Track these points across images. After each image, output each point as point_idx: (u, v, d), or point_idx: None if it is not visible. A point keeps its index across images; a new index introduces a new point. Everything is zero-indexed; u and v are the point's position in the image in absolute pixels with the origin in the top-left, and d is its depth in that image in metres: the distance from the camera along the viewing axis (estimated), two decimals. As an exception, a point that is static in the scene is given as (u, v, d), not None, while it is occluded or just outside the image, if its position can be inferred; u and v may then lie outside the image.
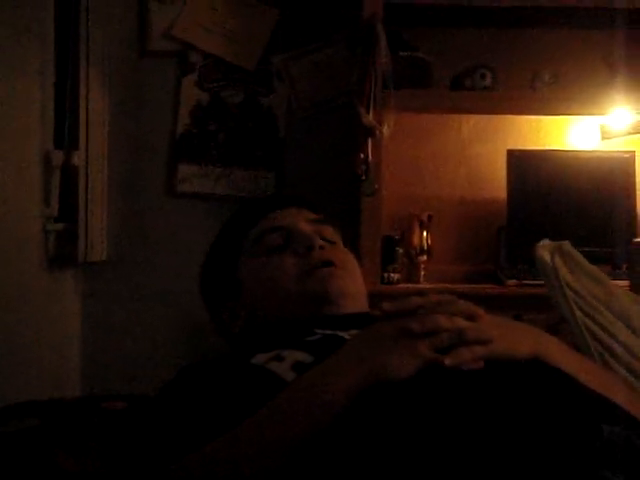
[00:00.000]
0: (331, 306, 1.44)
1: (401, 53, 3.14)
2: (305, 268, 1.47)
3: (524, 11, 3.27)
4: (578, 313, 1.64)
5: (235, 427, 1.06)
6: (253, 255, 1.53)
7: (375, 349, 1.08)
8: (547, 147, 3.48)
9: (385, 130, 2.98)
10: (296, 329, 1.35)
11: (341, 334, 1.28)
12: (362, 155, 2.97)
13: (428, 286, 3.27)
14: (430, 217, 3.35)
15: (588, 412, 1.01)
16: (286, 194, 3.14)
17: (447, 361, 1.05)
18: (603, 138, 3.47)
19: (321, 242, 1.51)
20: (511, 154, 3.38)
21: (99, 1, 3.14)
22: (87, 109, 3.10)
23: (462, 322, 1.11)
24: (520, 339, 1.16)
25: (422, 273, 3.33)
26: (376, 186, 2.99)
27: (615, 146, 3.46)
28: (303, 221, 1.56)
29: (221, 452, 1.05)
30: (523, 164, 3.38)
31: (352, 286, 1.50)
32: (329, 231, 1.59)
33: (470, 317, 1.13)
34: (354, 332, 1.24)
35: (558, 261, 1.69)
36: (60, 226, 3.13)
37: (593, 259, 1.74)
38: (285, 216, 1.57)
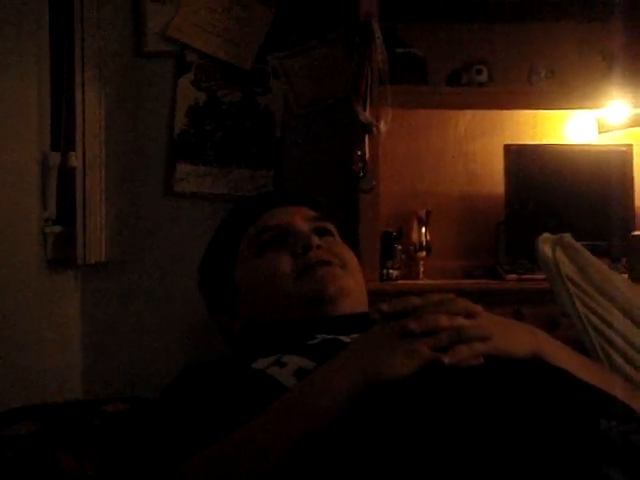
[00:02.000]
0: (329, 306, 1.42)
1: (397, 50, 3.14)
2: (302, 268, 1.46)
3: (519, 5, 3.28)
4: (580, 307, 1.64)
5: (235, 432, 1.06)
6: (249, 255, 1.51)
7: (375, 350, 1.08)
8: (544, 141, 3.48)
9: (382, 126, 2.98)
10: (296, 332, 1.35)
11: (342, 338, 1.27)
12: (359, 152, 2.97)
13: (428, 282, 3.27)
14: (428, 213, 3.36)
15: (585, 407, 1.01)
16: (282, 192, 3.13)
17: (446, 359, 1.05)
18: (600, 132, 3.47)
19: (318, 241, 1.49)
20: (508, 149, 3.38)
21: (94, 2, 3.13)
22: (83, 110, 3.09)
23: (461, 320, 1.11)
24: (518, 336, 1.16)
25: (421, 269, 3.33)
26: (374, 182, 2.99)
27: (612, 140, 3.47)
28: (300, 219, 1.54)
29: (220, 456, 1.05)
30: (520, 159, 3.38)
31: (351, 283, 1.48)
32: (327, 227, 1.58)
33: (468, 315, 1.13)
34: (355, 336, 1.23)
35: (559, 254, 1.69)
36: (58, 228, 3.12)
37: (592, 252, 1.74)
38: (281, 214, 1.55)
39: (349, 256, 1.55)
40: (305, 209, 1.59)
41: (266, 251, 1.49)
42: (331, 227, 1.59)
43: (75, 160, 3.11)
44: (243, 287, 1.52)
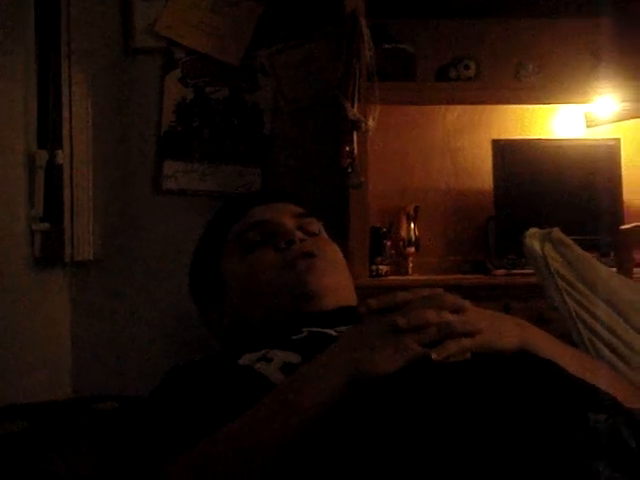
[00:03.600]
0: (313, 302, 1.42)
1: (384, 46, 3.14)
2: (285, 262, 1.46)
3: (507, 1, 3.28)
4: (569, 301, 1.64)
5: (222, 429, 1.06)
6: (235, 252, 1.52)
7: (362, 346, 1.08)
8: (532, 136, 3.48)
9: (370, 123, 2.97)
10: (283, 327, 1.35)
11: (328, 331, 1.27)
12: (347, 148, 2.96)
13: (417, 278, 3.27)
14: (417, 209, 3.36)
15: (574, 401, 1.01)
16: (268, 189, 3.13)
17: (434, 355, 1.05)
18: (588, 126, 3.47)
19: (301, 235, 1.50)
20: (496, 144, 3.38)
21: (80, -1, 3.13)
22: (70, 107, 3.09)
23: (449, 315, 1.11)
24: (507, 330, 1.16)
25: (410, 265, 3.33)
26: (362, 178, 2.98)
27: (600, 134, 3.47)
28: (285, 215, 1.55)
29: (208, 454, 1.05)
30: (508, 154, 3.38)
31: (333, 277, 1.48)
32: (312, 224, 1.58)
33: (457, 310, 1.13)
34: (342, 329, 1.23)
35: (548, 249, 1.68)
36: (46, 226, 3.11)
37: (580, 247, 1.74)
38: (266, 211, 1.56)
39: (334, 252, 1.56)
40: (290, 205, 1.60)
41: (252, 249, 1.50)
42: (316, 224, 1.60)
43: (62, 158, 3.10)
44: (230, 284, 1.53)
